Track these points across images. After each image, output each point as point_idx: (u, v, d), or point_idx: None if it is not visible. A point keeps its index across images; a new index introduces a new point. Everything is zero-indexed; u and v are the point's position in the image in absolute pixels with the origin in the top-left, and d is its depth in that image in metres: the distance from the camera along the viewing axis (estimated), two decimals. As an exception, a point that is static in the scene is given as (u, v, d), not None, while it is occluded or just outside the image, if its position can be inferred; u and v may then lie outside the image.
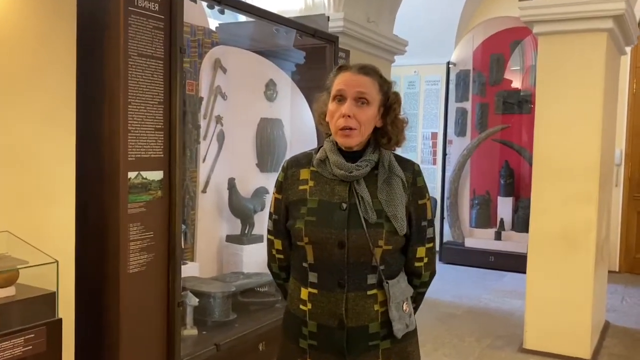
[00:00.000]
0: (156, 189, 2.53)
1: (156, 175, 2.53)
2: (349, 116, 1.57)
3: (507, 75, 7.22)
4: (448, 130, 7.40)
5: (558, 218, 3.99)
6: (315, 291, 1.62)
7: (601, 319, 4.64)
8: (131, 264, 2.43)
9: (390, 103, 1.65)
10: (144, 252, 2.48)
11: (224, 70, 3.71)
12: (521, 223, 6.74)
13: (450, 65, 7.35)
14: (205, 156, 3.62)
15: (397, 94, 1.66)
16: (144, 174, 2.47)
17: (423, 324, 4.61)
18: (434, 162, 7.84)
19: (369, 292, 1.60)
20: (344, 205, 1.60)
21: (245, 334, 3.11)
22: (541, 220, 4.06)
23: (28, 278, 2.04)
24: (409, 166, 1.67)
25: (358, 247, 1.57)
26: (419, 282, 1.73)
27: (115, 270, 2.39)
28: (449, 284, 6.01)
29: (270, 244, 1.79)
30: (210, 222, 3.72)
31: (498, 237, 7.01)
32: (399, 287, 1.63)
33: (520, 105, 7.10)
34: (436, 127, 7.83)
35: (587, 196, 3.90)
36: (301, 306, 1.64)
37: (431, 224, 1.70)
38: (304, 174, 1.68)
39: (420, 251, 1.69)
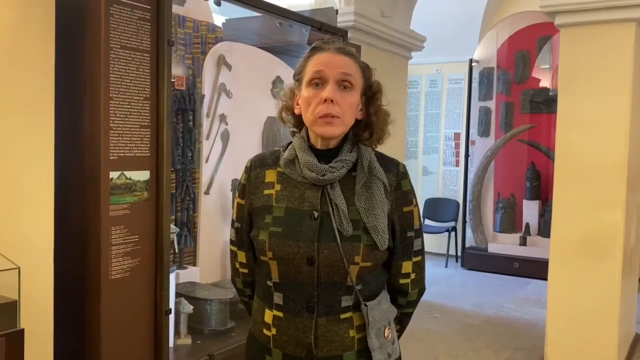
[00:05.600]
0: (142, 190, 2.38)
1: (142, 175, 2.38)
2: (331, 101, 1.33)
3: (534, 74, 6.94)
4: (471, 130, 7.15)
5: (582, 223, 3.74)
6: (280, 314, 1.39)
7: (630, 332, 4.35)
8: (113, 270, 2.28)
9: (373, 91, 1.42)
10: (127, 256, 2.33)
11: (229, 67, 3.56)
12: (548, 228, 6.36)
13: (472, 63, 7.10)
14: (209, 156, 3.48)
15: (379, 83, 1.44)
16: (128, 173, 2.33)
17: (438, 334, 4.41)
18: (457, 164, 7.60)
19: (342, 316, 1.36)
20: (315, 214, 1.36)
21: (243, 344, 2.92)
22: (563, 225, 3.82)
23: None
24: (392, 167, 1.42)
25: (330, 264, 1.34)
26: (405, 302, 1.49)
27: (97, 276, 2.24)
28: (470, 291, 5.78)
29: (233, 256, 1.57)
30: (213, 225, 3.56)
31: (523, 242, 6.73)
32: (380, 309, 1.39)
33: (548, 104, 6.81)
34: (459, 128, 7.57)
35: (612, 199, 3.65)
36: (265, 331, 1.43)
37: (419, 234, 1.46)
38: (270, 175, 1.45)
39: (406, 266, 1.45)
